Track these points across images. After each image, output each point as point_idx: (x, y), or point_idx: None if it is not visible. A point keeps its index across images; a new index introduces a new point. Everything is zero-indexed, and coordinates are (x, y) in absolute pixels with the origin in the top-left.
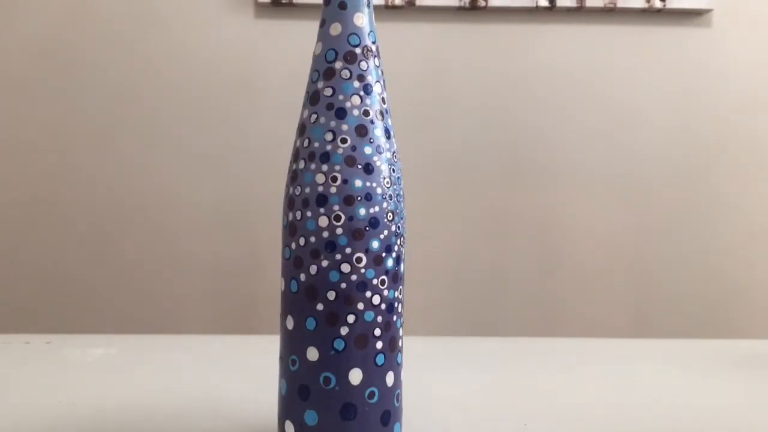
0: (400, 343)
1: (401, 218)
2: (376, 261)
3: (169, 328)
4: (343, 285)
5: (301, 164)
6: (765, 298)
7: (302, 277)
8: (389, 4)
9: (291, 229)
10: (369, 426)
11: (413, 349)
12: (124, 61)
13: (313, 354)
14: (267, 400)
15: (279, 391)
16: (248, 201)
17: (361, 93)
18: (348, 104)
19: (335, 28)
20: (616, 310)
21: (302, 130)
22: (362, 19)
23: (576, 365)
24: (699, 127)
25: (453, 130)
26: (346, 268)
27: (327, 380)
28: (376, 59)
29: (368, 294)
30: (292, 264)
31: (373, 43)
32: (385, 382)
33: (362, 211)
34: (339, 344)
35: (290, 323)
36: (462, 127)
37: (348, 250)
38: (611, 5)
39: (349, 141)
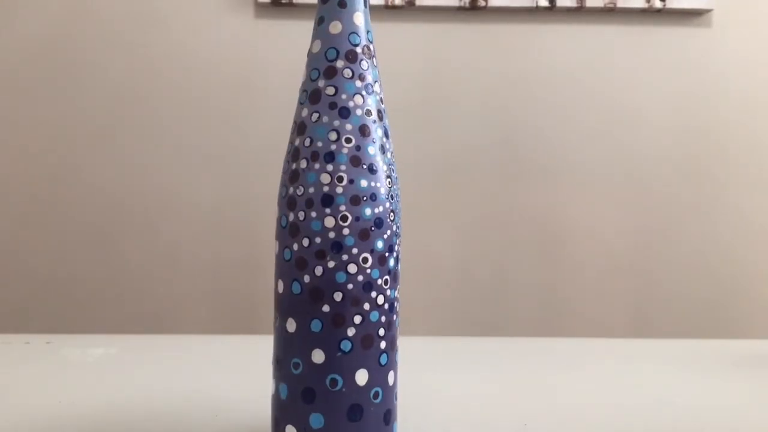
0: (397, 342)
1: (399, 218)
2: (381, 261)
3: (169, 328)
4: (350, 286)
5: (303, 164)
6: (765, 298)
7: (306, 278)
8: (389, 4)
9: (292, 230)
10: (374, 426)
11: (413, 349)
12: (124, 61)
13: (318, 356)
14: (267, 400)
15: (276, 394)
16: (248, 201)
17: (363, 92)
18: (351, 103)
19: (335, 27)
20: (616, 310)
21: (302, 128)
22: (361, 18)
23: (576, 365)
24: (699, 127)
25: (453, 130)
26: (352, 268)
27: (333, 382)
28: (374, 59)
29: (373, 294)
30: (294, 265)
31: (371, 42)
32: (388, 381)
33: (368, 211)
34: (346, 345)
35: (291, 326)
36: (462, 127)
37: (355, 251)
38: (611, 5)
39: (353, 141)
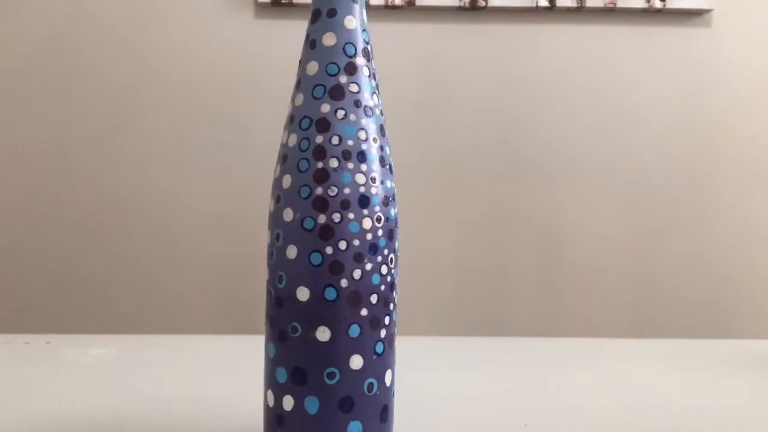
0: None
1: None
2: (397, 260)
3: (169, 328)
4: (383, 287)
5: (333, 163)
6: (765, 298)
7: (343, 283)
8: (389, 4)
9: (324, 233)
10: (393, 425)
11: (413, 349)
12: (124, 61)
13: (357, 362)
14: None
15: (301, 411)
16: (248, 201)
17: (376, 92)
18: (371, 102)
19: (350, 22)
20: (616, 310)
21: (324, 125)
22: (365, 16)
23: (576, 365)
24: (699, 127)
25: (453, 129)
26: (384, 269)
27: (370, 386)
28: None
29: (394, 294)
30: (328, 270)
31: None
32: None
33: (393, 212)
34: (380, 347)
35: (324, 334)
36: (462, 126)
37: (385, 252)
38: (611, 5)
39: (378, 141)
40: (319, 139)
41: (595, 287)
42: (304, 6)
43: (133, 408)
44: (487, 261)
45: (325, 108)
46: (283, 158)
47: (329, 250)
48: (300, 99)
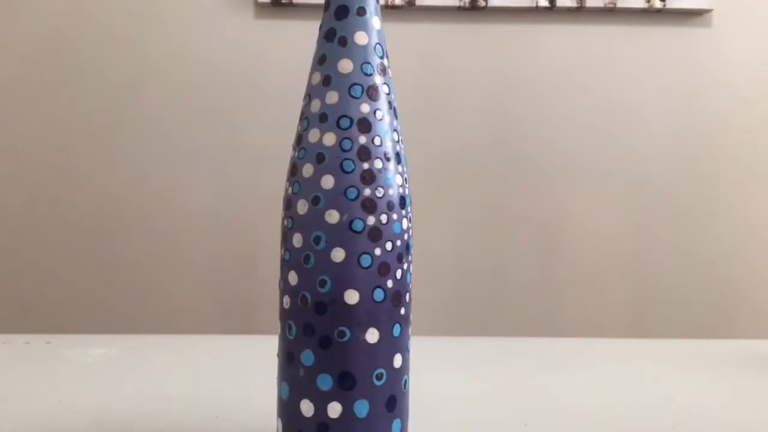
0: None
1: None
2: None
3: (169, 328)
4: (410, 285)
5: (378, 164)
6: (765, 298)
7: (389, 284)
8: (389, 4)
9: (374, 234)
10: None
11: (413, 348)
12: (124, 61)
13: (398, 361)
14: (267, 401)
15: (350, 416)
16: (248, 201)
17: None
18: (395, 104)
19: (376, 22)
20: (616, 310)
21: (366, 126)
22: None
23: (576, 365)
24: (699, 127)
25: (453, 129)
26: (411, 268)
27: (405, 383)
28: None
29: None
30: (376, 272)
31: None
32: None
33: (410, 211)
34: (409, 344)
35: (374, 336)
36: (462, 126)
37: (412, 251)
38: (611, 5)
39: (401, 142)
40: (362, 139)
41: (595, 287)
42: (304, 6)
43: (133, 408)
44: (487, 261)
45: (365, 108)
46: (318, 157)
47: (378, 251)
48: (334, 97)
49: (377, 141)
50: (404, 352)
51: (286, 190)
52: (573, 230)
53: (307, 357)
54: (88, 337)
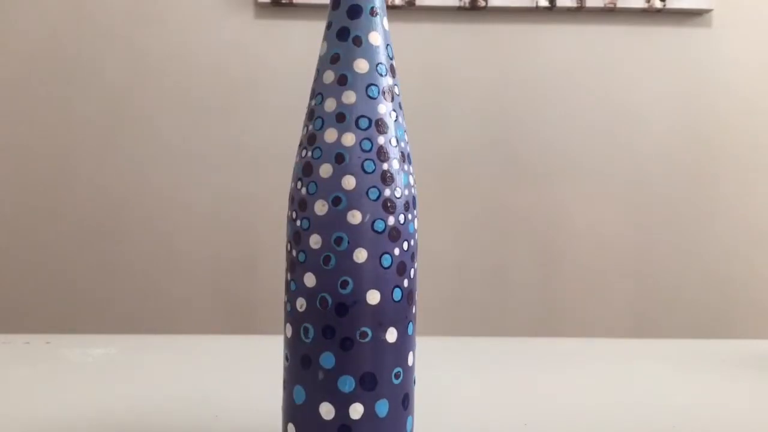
0: None
1: None
2: None
3: (169, 328)
4: (417, 283)
5: (395, 164)
6: (765, 298)
7: (405, 283)
8: (389, 4)
9: (393, 235)
10: None
11: None
12: (124, 61)
13: (411, 359)
14: (267, 401)
15: (372, 416)
16: (248, 201)
17: None
18: (402, 105)
19: (386, 23)
20: (616, 310)
21: (383, 127)
22: None
23: (576, 365)
24: (699, 127)
25: (452, 129)
26: (417, 266)
27: (414, 380)
28: None
29: None
30: (395, 271)
31: None
32: None
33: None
34: (416, 344)
35: (393, 335)
36: (461, 126)
37: (416, 250)
38: (611, 5)
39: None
40: (381, 140)
41: (595, 287)
42: (304, 6)
43: (133, 408)
44: (487, 261)
45: (382, 109)
46: (338, 158)
47: (397, 251)
48: (351, 97)
49: (393, 142)
50: (414, 349)
51: (298, 190)
52: (573, 230)
53: (328, 359)
54: (88, 337)
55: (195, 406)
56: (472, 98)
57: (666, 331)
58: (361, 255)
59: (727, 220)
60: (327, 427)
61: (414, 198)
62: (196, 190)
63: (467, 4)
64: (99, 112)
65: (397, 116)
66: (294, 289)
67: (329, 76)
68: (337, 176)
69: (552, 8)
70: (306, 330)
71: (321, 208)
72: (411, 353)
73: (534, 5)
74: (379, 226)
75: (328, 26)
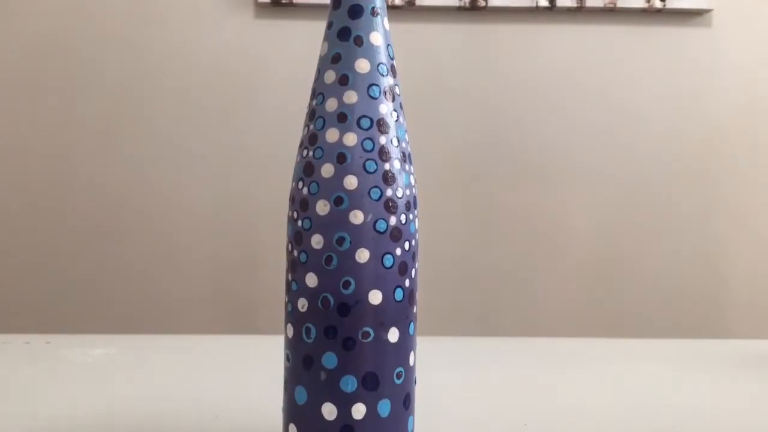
0: None
1: None
2: None
3: (169, 328)
4: (417, 283)
5: (396, 165)
6: (765, 298)
7: (407, 283)
8: (389, 4)
9: (395, 235)
10: None
11: None
12: (123, 61)
13: (412, 359)
14: (267, 401)
15: (374, 416)
16: (248, 201)
17: None
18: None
19: (386, 23)
20: (616, 310)
21: (386, 127)
22: None
23: (575, 365)
24: (698, 127)
25: (453, 129)
26: (416, 266)
27: (415, 380)
28: None
29: None
30: (397, 271)
31: None
32: None
33: None
34: (416, 344)
35: (394, 335)
36: (461, 126)
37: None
38: (611, 5)
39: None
40: (383, 140)
41: (595, 287)
42: (304, 6)
43: (133, 408)
44: (487, 261)
45: (383, 109)
46: (340, 157)
47: (398, 251)
48: (353, 96)
49: (395, 142)
50: (415, 349)
51: (299, 190)
52: (573, 230)
53: (330, 359)
54: (88, 337)
55: (195, 406)
56: (472, 98)
57: (666, 331)
58: (363, 255)
59: (727, 220)
60: (330, 427)
61: (415, 198)
62: (196, 190)
63: (467, 4)
64: (99, 112)
65: (398, 116)
66: (295, 289)
67: (330, 76)
68: (338, 176)
69: (552, 8)
70: (308, 330)
71: (323, 208)
72: (412, 353)
73: (534, 5)
74: (381, 226)
75: (329, 26)
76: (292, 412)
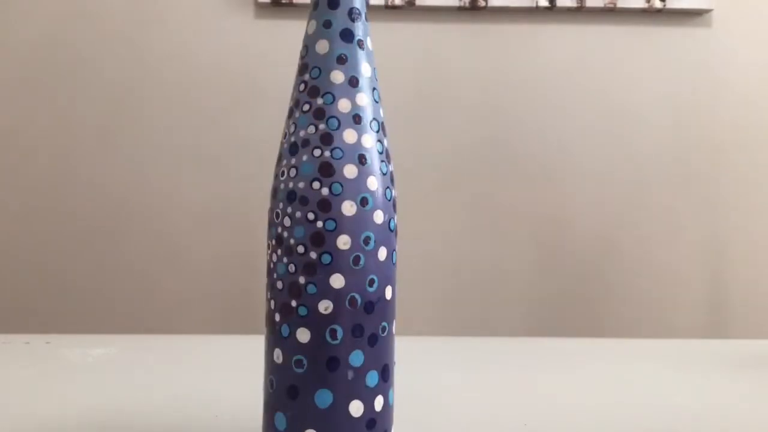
0: None
1: None
2: None
3: (169, 328)
4: None
5: (392, 166)
6: (765, 298)
7: (396, 276)
8: (389, 4)
9: (396, 233)
10: None
11: (412, 348)
12: (123, 61)
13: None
14: None
15: (387, 405)
16: (248, 201)
17: None
18: None
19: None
20: (616, 310)
21: (385, 130)
22: None
23: (575, 365)
24: (699, 127)
25: (452, 129)
26: None
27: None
28: None
29: None
30: (395, 266)
31: None
32: None
33: None
34: None
35: (394, 326)
36: (461, 126)
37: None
38: (611, 5)
39: None
40: (386, 142)
41: (595, 287)
42: (304, 6)
43: (133, 408)
44: (486, 261)
45: (383, 112)
46: (360, 158)
47: (397, 247)
48: (363, 99)
49: (387, 144)
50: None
51: (316, 191)
52: (572, 230)
53: (357, 357)
54: (88, 337)
55: (195, 406)
56: (472, 98)
57: (666, 331)
58: (382, 253)
59: (727, 220)
60: (357, 424)
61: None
62: (197, 189)
63: (467, 4)
64: (98, 112)
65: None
66: (314, 292)
67: (338, 77)
68: (362, 177)
69: (552, 8)
70: (333, 332)
71: (349, 208)
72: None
73: (534, 5)
74: (392, 224)
75: (327, 24)
76: (314, 416)
